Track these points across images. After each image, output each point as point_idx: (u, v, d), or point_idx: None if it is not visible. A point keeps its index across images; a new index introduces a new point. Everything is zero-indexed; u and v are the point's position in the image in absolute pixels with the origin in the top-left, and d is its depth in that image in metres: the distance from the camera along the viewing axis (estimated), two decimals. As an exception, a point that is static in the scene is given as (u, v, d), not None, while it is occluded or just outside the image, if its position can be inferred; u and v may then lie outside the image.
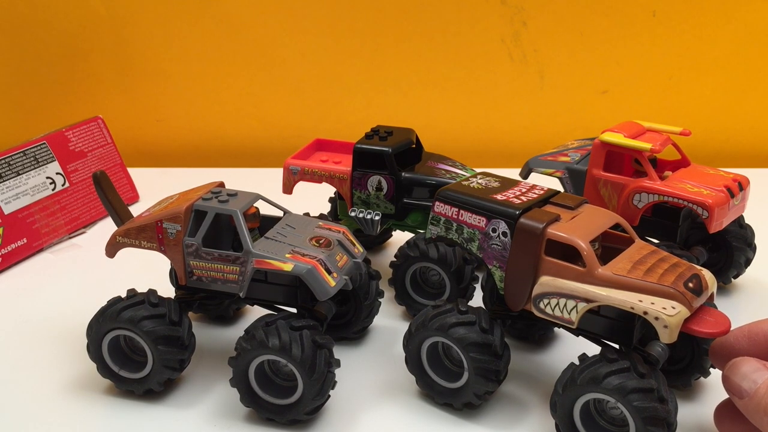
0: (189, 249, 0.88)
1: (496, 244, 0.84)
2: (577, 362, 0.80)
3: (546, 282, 0.80)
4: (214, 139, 1.79)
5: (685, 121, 1.28)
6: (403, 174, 1.09)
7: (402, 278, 1.07)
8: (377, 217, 1.09)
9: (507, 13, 1.61)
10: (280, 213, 0.95)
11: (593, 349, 0.82)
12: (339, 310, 0.98)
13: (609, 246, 0.84)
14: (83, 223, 1.40)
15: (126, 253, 0.94)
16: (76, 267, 1.25)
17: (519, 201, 0.84)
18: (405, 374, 0.91)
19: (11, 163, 1.30)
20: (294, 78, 1.72)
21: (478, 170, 1.00)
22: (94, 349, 0.90)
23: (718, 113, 1.69)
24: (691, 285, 0.77)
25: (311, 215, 1.05)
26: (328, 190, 1.23)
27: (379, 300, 1.02)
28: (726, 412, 0.78)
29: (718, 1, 1.58)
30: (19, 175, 1.31)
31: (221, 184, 0.95)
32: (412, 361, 0.90)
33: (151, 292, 0.90)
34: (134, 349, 0.91)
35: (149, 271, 1.08)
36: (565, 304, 0.79)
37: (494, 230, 0.84)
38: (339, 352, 0.91)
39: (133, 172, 1.55)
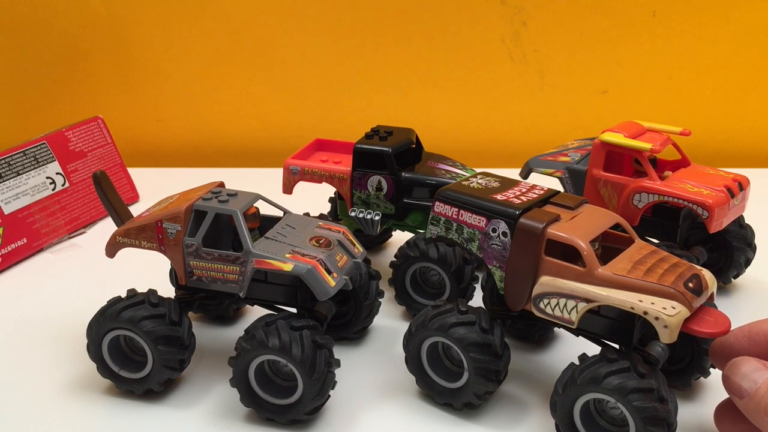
0: (189, 249, 0.88)
1: (496, 244, 0.84)
2: (577, 362, 0.80)
3: (546, 282, 0.80)
4: (214, 139, 1.79)
5: (685, 121, 1.28)
6: (403, 174, 1.09)
7: (402, 278, 1.07)
8: (377, 217, 1.09)
9: (507, 13, 1.61)
10: (280, 213, 0.95)
11: (593, 349, 0.82)
12: (339, 310, 0.98)
13: (609, 246, 0.84)
14: (83, 223, 1.40)
15: (126, 253, 0.94)
16: (76, 267, 1.25)
17: (519, 201, 0.84)
18: (405, 374, 0.91)
19: (11, 163, 1.30)
20: (294, 78, 1.72)
21: (478, 170, 1.00)
22: (94, 349, 0.90)
23: (718, 113, 1.69)
24: (691, 285, 0.77)
25: (311, 215, 1.05)
26: (328, 190, 1.23)
27: (379, 300, 1.02)
28: (726, 412, 0.78)
29: (718, 1, 1.58)
30: (19, 175, 1.31)
31: (221, 184, 0.95)
32: (412, 361, 0.90)
33: (151, 292, 0.90)
34: (134, 349, 0.91)
35: (149, 271, 1.08)
36: (565, 304, 0.79)
37: (494, 230, 0.84)
38: (339, 352, 0.91)
39: (133, 172, 1.55)
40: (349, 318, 1.01)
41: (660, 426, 0.74)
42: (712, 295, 0.80)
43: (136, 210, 1.02)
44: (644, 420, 0.74)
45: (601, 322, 0.83)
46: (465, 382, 0.86)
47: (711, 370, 0.89)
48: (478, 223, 0.85)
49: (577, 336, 0.85)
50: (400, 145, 1.10)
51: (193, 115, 1.77)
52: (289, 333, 0.82)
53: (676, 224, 1.07)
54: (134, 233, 0.91)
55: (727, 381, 0.74)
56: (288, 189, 1.16)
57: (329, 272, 0.84)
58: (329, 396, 0.86)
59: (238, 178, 1.18)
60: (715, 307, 0.81)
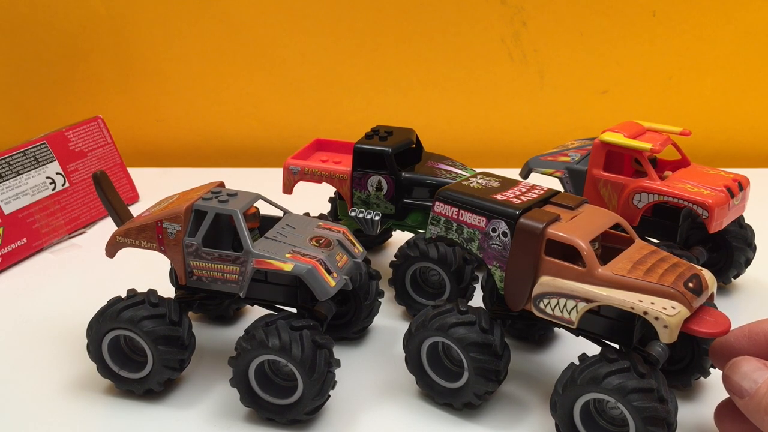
0: (189, 249, 0.88)
1: (496, 244, 0.84)
2: (577, 362, 0.80)
3: (546, 282, 0.80)
4: (214, 139, 1.79)
5: (685, 121, 1.28)
6: (403, 174, 1.09)
7: (402, 278, 1.07)
8: (377, 217, 1.09)
9: (507, 13, 1.61)
10: (280, 213, 0.95)
11: (593, 349, 0.82)
12: (339, 310, 0.98)
13: (609, 246, 0.84)
14: (83, 223, 1.40)
15: (126, 253, 0.94)
16: (76, 267, 1.25)
17: (519, 201, 0.84)
18: (405, 374, 0.91)
19: (11, 163, 1.30)
20: (294, 78, 1.72)
21: (478, 170, 1.00)
22: (94, 349, 0.90)
23: (718, 113, 1.69)
24: (691, 285, 0.77)
25: (311, 215, 1.05)
26: (328, 190, 1.23)
27: (379, 300, 1.02)
28: (726, 411, 0.78)
29: (718, 1, 1.58)
30: (19, 175, 1.31)
31: (221, 184, 0.95)
32: (412, 361, 0.90)
33: (151, 292, 0.90)
34: (134, 349, 0.91)
35: (149, 271, 1.08)
36: (565, 304, 0.79)
37: (494, 230, 0.84)
38: (339, 352, 0.91)
39: (133, 172, 1.55)
40: (349, 318, 1.01)
41: (660, 426, 0.74)
42: (712, 295, 0.80)
43: (136, 210, 1.02)
44: (644, 420, 0.74)
45: (601, 322, 0.83)
46: (465, 382, 0.86)
47: (711, 370, 0.89)
48: (478, 223, 0.85)
49: (577, 336, 0.85)
50: (400, 145, 1.10)
51: (193, 115, 1.77)
52: (289, 333, 0.82)
53: (676, 224, 1.07)
54: (134, 233, 0.91)
55: (727, 381, 0.74)
56: (288, 189, 1.16)
57: (329, 272, 0.84)
58: (329, 396, 0.86)
59: (238, 178, 1.18)
60: (715, 307, 0.81)
